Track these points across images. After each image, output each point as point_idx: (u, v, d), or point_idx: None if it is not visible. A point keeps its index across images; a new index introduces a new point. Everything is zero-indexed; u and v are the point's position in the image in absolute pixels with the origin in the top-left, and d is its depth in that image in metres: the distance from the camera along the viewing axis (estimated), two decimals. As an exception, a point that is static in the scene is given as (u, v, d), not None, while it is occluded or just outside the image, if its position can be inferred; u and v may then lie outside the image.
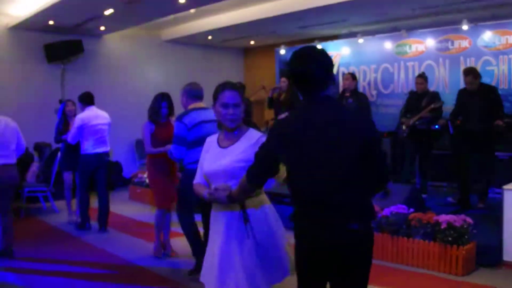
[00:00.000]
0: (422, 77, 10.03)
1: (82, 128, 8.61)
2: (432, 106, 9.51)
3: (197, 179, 3.90)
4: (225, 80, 3.89)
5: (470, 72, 8.83)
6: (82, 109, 8.91)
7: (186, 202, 6.19)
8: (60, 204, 10.55)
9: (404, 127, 9.96)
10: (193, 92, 6.33)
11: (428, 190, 10.11)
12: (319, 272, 3.21)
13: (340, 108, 3.29)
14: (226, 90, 3.74)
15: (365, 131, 3.09)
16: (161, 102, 7.18)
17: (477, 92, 8.71)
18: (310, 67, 3.10)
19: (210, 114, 5.64)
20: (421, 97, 9.84)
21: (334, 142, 3.02)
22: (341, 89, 11.18)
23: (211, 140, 3.89)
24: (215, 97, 3.79)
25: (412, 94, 10.16)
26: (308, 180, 3.11)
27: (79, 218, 9.07)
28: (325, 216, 3.08)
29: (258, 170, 3.34)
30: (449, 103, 10.63)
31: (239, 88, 3.85)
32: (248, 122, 4.03)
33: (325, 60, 3.16)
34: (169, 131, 6.72)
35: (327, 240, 3.08)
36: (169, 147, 6.26)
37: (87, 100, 8.91)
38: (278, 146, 3.19)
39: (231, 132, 3.77)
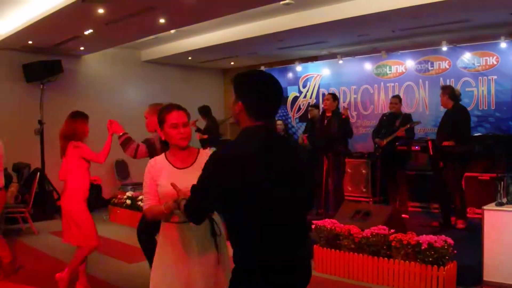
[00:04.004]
0: (397, 98, 10.27)
1: None
2: (409, 125, 9.60)
3: (148, 204, 3.71)
4: (170, 102, 3.91)
5: (441, 89, 9.10)
6: None
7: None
8: (39, 225, 10.45)
9: (376, 146, 10.09)
10: None
11: (409, 211, 10.12)
12: None
13: None
14: (173, 111, 3.75)
15: None
16: None
17: (448, 111, 8.84)
18: None
19: None
20: (395, 117, 9.94)
21: None
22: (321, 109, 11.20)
23: (159, 162, 3.79)
24: (163, 119, 3.77)
25: (385, 115, 10.26)
26: None
27: None
28: None
29: None
30: (429, 124, 10.75)
31: (184, 108, 3.87)
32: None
33: None
34: None
35: None
36: None
37: None
38: None
39: (183, 151, 3.76)
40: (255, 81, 3.02)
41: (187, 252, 3.61)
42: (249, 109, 2.94)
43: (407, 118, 10.02)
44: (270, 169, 2.86)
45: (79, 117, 6.57)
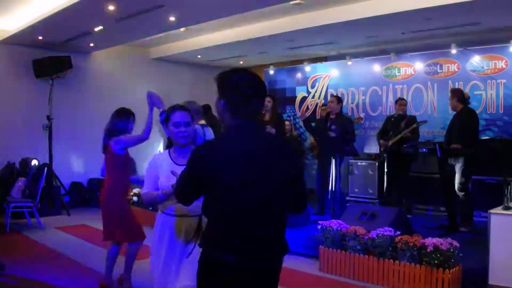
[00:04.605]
0: (404, 100, 10.40)
1: None
2: (415, 125, 9.63)
3: (146, 190, 4.13)
4: (176, 103, 4.25)
5: (450, 92, 9.19)
6: None
7: None
8: (46, 220, 10.48)
9: (382, 148, 10.11)
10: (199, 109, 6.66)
11: (415, 213, 10.13)
12: None
13: None
14: (177, 111, 4.09)
15: None
16: None
17: (457, 114, 8.85)
18: None
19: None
20: (400, 119, 9.98)
21: None
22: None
23: (163, 157, 4.12)
24: (167, 117, 4.11)
25: (392, 117, 10.27)
26: None
27: None
28: None
29: None
30: (437, 127, 10.72)
31: (188, 109, 4.18)
32: None
33: None
34: None
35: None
36: None
37: None
38: None
39: (184, 148, 4.06)
40: (238, 80, 3.02)
41: (175, 239, 4.04)
42: (232, 109, 3.02)
43: (412, 120, 10.07)
44: (248, 168, 2.93)
45: (123, 114, 6.60)
